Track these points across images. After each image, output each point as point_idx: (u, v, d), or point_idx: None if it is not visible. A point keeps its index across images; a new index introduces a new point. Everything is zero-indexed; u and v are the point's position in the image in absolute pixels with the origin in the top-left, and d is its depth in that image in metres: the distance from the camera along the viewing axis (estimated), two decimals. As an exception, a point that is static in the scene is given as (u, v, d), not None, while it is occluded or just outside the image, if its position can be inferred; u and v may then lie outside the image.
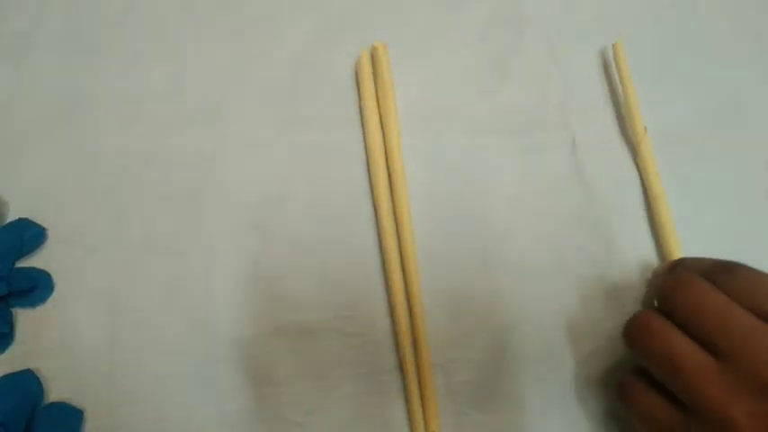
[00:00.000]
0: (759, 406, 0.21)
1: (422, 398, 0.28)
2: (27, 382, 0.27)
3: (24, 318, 0.29)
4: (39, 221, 0.31)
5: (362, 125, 0.34)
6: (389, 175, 0.32)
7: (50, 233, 0.31)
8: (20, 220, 0.31)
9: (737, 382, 0.22)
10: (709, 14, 0.39)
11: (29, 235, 0.30)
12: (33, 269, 0.30)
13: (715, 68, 0.37)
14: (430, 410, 0.28)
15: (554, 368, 0.29)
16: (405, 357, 0.28)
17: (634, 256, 0.32)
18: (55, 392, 0.28)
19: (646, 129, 0.33)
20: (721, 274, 0.24)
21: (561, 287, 0.31)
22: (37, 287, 0.29)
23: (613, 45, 0.35)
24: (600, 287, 0.31)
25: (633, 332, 0.25)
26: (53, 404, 0.27)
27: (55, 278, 0.30)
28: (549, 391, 0.29)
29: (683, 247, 0.31)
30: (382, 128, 0.33)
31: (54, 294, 0.29)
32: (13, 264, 0.30)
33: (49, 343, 0.29)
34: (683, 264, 0.28)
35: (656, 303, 0.26)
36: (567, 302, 0.31)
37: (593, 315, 0.30)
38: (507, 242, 0.32)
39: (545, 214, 0.32)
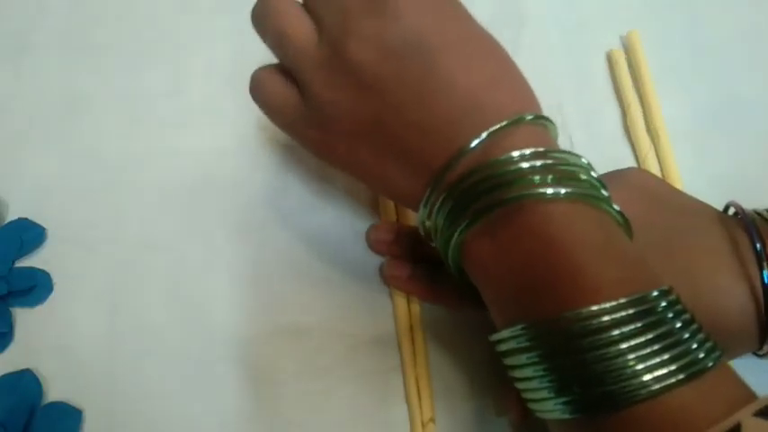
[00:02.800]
0: (337, 79, 0.23)
1: (417, 387, 0.28)
2: (26, 381, 0.27)
3: (24, 317, 0.29)
4: (39, 221, 0.31)
5: None
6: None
7: (50, 233, 0.31)
8: (20, 219, 0.31)
9: (329, 57, 0.23)
10: (709, 14, 0.39)
11: (28, 235, 0.30)
12: (33, 269, 0.30)
13: (715, 68, 0.37)
14: (425, 400, 0.28)
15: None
16: (405, 358, 0.28)
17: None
18: (54, 392, 0.28)
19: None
20: None
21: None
22: (36, 287, 0.29)
23: (628, 34, 0.36)
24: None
25: (258, 14, 0.26)
26: (52, 404, 0.27)
27: (54, 278, 0.30)
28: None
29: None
30: None
31: (53, 294, 0.29)
32: (13, 263, 0.30)
33: (49, 343, 0.28)
34: None
35: None
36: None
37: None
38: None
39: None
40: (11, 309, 0.29)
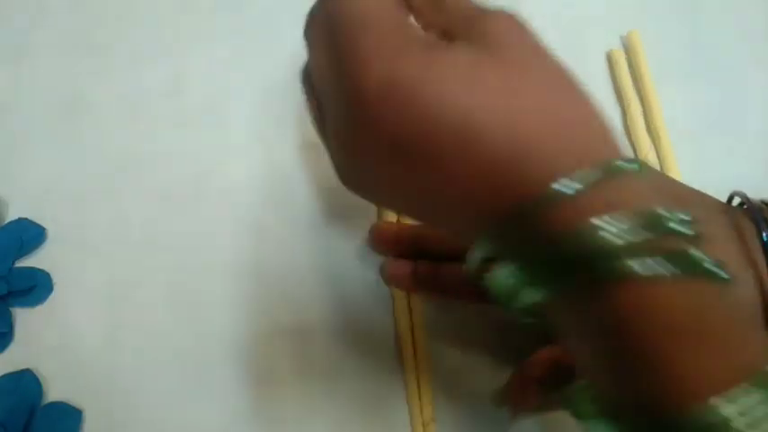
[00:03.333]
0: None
1: (417, 385, 0.28)
2: (26, 381, 0.27)
3: (24, 317, 0.29)
4: (38, 221, 0.31)
5: None
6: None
7: (50, 233, 0.31)
8: (20, 219, 0.31)
9: None
10: (709, 14, 0.39)
11: (28, 235, 0.30)
12: (33, 269, 0.30)
13: (716, 68, 0.37)
14: (426, 400, 0.28)
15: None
16: (406, 358, 0.28)
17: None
18: (54, 392, 0.28)
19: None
20: None
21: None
22: (36, 287, 0.29)
23: (628, 34, 0.36)
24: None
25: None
26: (52, 404, 0.27)
27: (54, 278, 0.30)
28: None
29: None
30: None
31: (53, 294, 0.29)
32: (13, 263, 0.30)
33: (49, 343, 0.28)
34: None
35: None
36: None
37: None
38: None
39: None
40: (11, 309, 0.29)
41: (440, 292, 0.28)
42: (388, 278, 0.29)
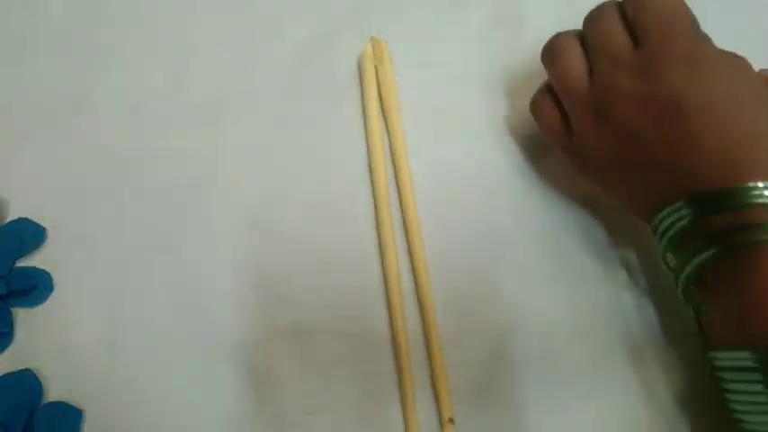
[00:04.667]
0: (600, 126, 0.27)
1: (434, 386, 0.28)
2: (26, 381, 0.27)
3: (24, 317, 0.29)
4: (38, 221, 0.31)
5: (364, 116, 0.34)
6: (395, 171, 0.32)
7: (50, 233, 0.31)
8: (20, 219, 0.31)
9: (596, 105, 0.27)
10: (709, 14, 0.39)
11: (28, 234, 0.30)
12: (33, 269, 0.30)
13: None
14: (444, 399, 0.28)
15: (554, 368, 0.29)
16: (402, 357, 0.28)
17: (636, 255, 0.32)
18: (54, 392, 0.28)
19: None
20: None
21: (562, 287, 0.31)
22: (36, 287, 0.29)
23: None
24: (600, 287, 0.31)
25: (546, 52, 0.30)
26: (52, 404, 0.27)
27: (54, 278, 0.30)
28: (549, 391, 0.29)
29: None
30: (385, 121, 0.33)
31: (54, 294, 0.29)
32: (13, 263, 0.30)
33: (49, 343, 0.29)
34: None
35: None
36: (567, 302, 0.31)
37: (594, 315, 0.30)
38: (508, 242, 0.32)
39: (546, 213, 0.32)
40: (11, 309, 0.29)
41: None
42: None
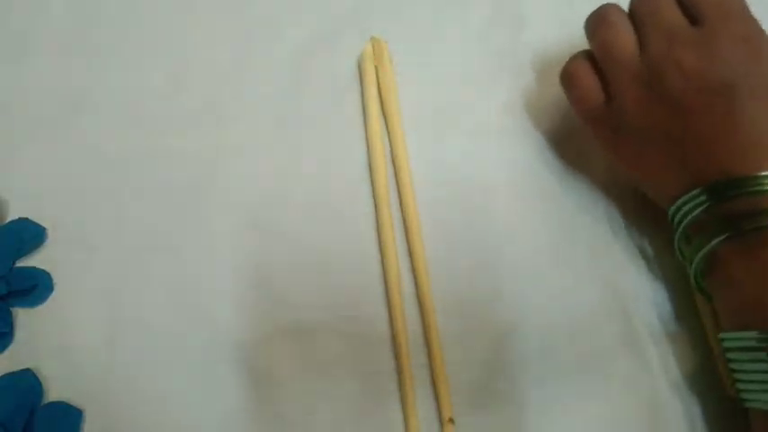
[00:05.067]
0: (648, 97, 0.27)
1: (434, 386, 0.28)
2: (26, 381, 0.27)
3: (24, 317, 0.29)
4: (39, 221, 0.31)
5: (364, 116, 0.34)
6: (395, 171, 0.32)
7: (50, 233, 0.31)
8: (20, 219, 0.31)
9: (646, 76, 0.27)
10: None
11: (29, 234, 0.30)
12: (33, 269, 0.30)
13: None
14: (444, 399, 0.28)
15: (554, 368, 0.29)
16: (402, 357, 0.28)
17: (635, 255, 0.32)
18: (54, 392, 0.28)
19: None
20: None
21: (562, 287, 0.31)
22: (37, 287, 0.29)
23: None
24: (600, 286, 0.31)
25: (591, 18, 0.30)
26: (52, 404, 0.27)
27: (55, 278, 0.30)
28: (549, 391, 0.29)
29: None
30: (385, 121, 0.33)
31: (54, 294, 0.29)
32: (13, 263, 0.30)
33: (49, 343, 0.28)
34: None
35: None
36: (567, 302, 0.31)
37: (594, 315, 0.30)
38: (508, 242, 0.32)
39: (546, 213, 0.32)
40: (11, 309, 0.29)
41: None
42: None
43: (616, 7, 0.29)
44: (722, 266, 0.26)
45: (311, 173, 0.33)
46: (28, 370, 0.28)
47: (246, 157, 0.33)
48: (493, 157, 0.34)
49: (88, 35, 0.36)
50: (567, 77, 0.30)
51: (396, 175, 0.32)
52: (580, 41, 0.37)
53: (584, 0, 0.39)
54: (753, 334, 0.24)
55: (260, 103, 0.34)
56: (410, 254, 0.31)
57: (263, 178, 0.32)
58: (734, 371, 0.26)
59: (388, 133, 0.33)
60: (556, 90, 0.36)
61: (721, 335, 0.26)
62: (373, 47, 0.34)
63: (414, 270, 0.30)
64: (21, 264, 0.30)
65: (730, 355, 0.25)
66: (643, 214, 0.33)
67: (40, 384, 0.27)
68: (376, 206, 0.32)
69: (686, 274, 0.28)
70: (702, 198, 0.25)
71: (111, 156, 0.33)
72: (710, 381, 0.29)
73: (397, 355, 0.29)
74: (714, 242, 0.25)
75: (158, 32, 0.36)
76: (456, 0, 0.38)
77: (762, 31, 0.27)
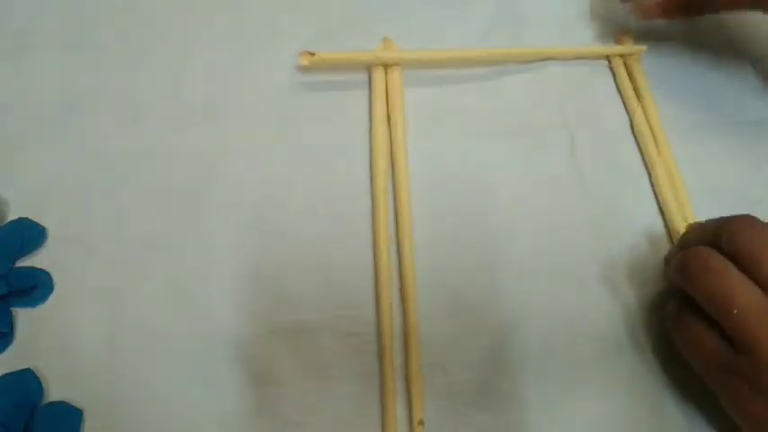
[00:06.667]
0: None
1: (408, 388, 0.28)
2: (27, 381, 0.27)
3: (24, 317, 0.29)
4: (39, 221, 0.31)
5: (370, 116, 0.34)
6: (393, 174, 0.32)
7: (50, 233, 0.31)
8: (20, 219, 0.31)
9: None
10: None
11: (29, 234, 0.30)
12: (33, 269, 0.30)
13: (713, 66, 0.37)
14: (416, 400, 0.28)
15: (554, 368, 0.29)
16: (384, 357, 0.28)
17: (634, 255, 0.32)
18: (54, 392, 0.28)
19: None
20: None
21: (561, 287, 0.31)
22: (37, 287, 0.29)
23: (619, 34, 0.36)
24: (600, 287, 0.31)
25: (689, 268, 0.26)
26: (53, 404, 0.27)
27: (55, 278, 0.30)
28: (549, 391, 0.29)
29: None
30: (389, 121, 0.33)
31: (54, 294, 0.29)
32: (14, 263, 0.30)
33: (49, 343, 0.28)
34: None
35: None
36: (567, 302, 0.31)
37: (594, 315, 0.30)
38: (507, 242, 0.32)
39: (545, 214, 0.32)
40: (11, 309, 0.29)
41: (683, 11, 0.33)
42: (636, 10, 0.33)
43: (711, 251, 0.25)
44: None
45: (311, 173, 0.33)
46: (28, 370, 0.28)
47: (246, 157, 0.33)
48: (493, 157, 0.34)
49: (88, 35, 0.36)
50: (677, 332, 0.27)
51: (393, 175, 0.32)
52: (580, 41, 0.37)
53: (584, 0, 0.39)
54: None
55: (260, 103, 0.34)
56: (398, 253, 0.31)
57: (262, 178, 0.32)
58: None
59: (390, 134, 0.33)
60: (556, 89, 0.36)
61: None
62: (385, 47, 0.35)
63: (400, 268, 0.30)
64: (21, 264, 0.30)
65: None
66: (644, 214, 0.33)
67: (40, 384, 0.27)
68: (373, 206, 0.32)
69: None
70: None
71: (111, 156, 0.33)
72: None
73: (380, 356, 0.29)
74: None
75: (158, 32, 0.36)
76: (456, 0, 0.38)
77: None
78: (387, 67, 0.34)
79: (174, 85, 0.34)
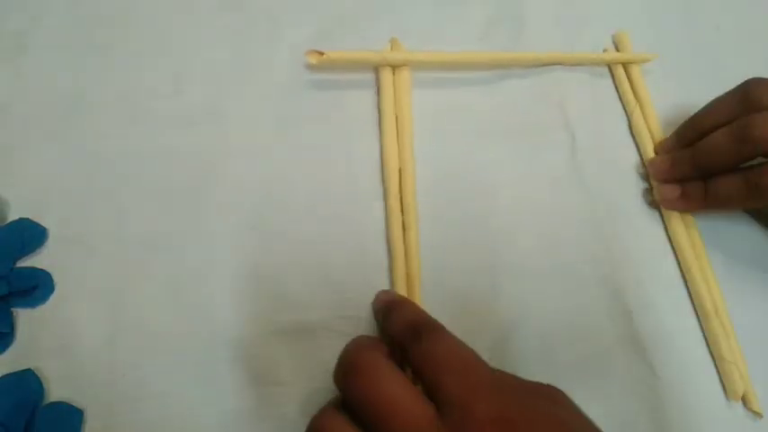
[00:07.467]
0: None
1: None
2: (27, 381, 0.27)
3: (25, 318, 0.29)
4: (39, 221, 0.31)
5: (379, 116, 0.34)
6: (399, 171, 0.32)
7: (51, 233, 0.31)
8: (21, 219, 0.31)
9: None
10: (708, 14, 0.39)
11: (29, 235, 0.30)
12: (34, 269, 0.30)
13: (713, 65, 0.37)
14: None
15: (554, 368, 0.29)
16: None
17: (634, 255, 0.32)
18: (55, 392, 0.28)
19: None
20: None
21: (561, 287, 0.31)
22: (37, 287, 0.29)
23: (617, 36, 0.36)
24: (600, 287, 0.31)
25: (343, 371, 0.23)
26: (53, 404, 0.27)
27: (55, 278, 0.30)
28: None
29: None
30: (396, 122, 0.34)
31: (54, 294, 0.29)
32: (14, 263, 0.30)
33: (49, 343, 0.29)
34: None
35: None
36: (567, 302, 0.31)
37: (594, 315, 0.30)
38: (508, 242, 0.32)
39: (545, 214, 0.32)
40: (12, 309, 0.29)
41: (709, 205, 0.32)
42: (661, 202, 0.33)
43: (373, 350, 0.24)
44: None
45: (311, 173, 0.33)
46: (29, 370, 0.28)
47: (246, 157, 0.33)
48: (493, 157, 0.34)
49: (88, 35, 0.36)
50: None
51: (400, 176, 0.32)
52: (580, 41, 0.37)
53: (584, 0, 0.39)
54: None
55: (260, 103, 0.34)
56: (405, 255, 0.31)
57: (263, 178, 0.32)
58: None
59: (398, 134, 0.33)
60: (556, 90, 0.36)
61: None
62: (392, 48, 0.35)
63: (406, 269, 0.30)
64: (21, 264, 0.30)
65: None
66: (644, 214, 0.33)
67: (40, 384, 0.27)
68: (386, 208, 0.32)
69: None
70: None
71: (111, 156, 0.33)
72: (710, 381, 0.29)
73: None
74: None
75: (158, 32, 0.36)
76: (456, 0, 0.38)
77: (509, 395, 0.23)
78: (395, 68, 0.34)
79: (174, 85, 0.34)
